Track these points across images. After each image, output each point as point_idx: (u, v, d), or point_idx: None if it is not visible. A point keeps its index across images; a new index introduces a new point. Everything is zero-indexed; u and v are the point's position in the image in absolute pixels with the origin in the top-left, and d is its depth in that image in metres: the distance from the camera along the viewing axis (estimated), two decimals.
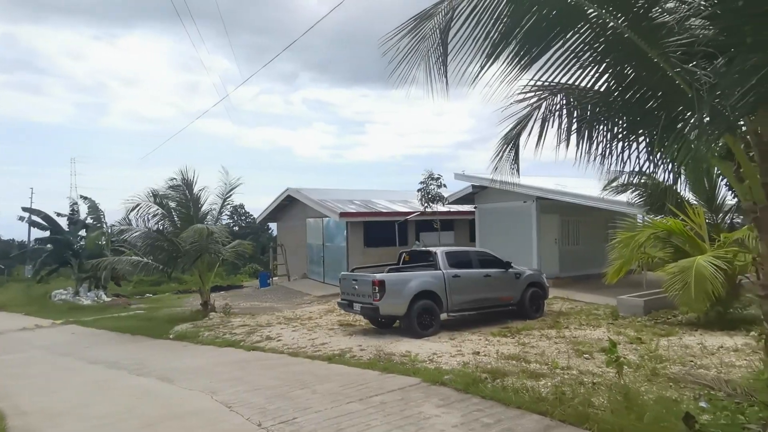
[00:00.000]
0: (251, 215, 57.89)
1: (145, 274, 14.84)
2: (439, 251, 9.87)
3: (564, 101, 5.21)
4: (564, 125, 5.20)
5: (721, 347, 6.79)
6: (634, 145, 4.73)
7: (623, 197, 11.72)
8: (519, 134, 5.84)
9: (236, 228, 52.49)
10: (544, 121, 5.32)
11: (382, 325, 10.12)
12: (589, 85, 4.51)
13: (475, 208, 17.08)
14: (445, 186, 15.06)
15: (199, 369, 7.54)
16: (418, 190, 15.08)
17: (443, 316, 9.52)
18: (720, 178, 10.84)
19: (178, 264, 13.26)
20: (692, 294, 7.72)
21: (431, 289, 9.26)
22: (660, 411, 3.81)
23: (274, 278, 21.93)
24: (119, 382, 7.15)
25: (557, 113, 5.28)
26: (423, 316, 9.05)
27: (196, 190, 13.79)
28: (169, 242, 12.91)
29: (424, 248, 10.83)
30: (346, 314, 11.83)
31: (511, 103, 5.30)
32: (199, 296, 13.91)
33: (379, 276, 9.02)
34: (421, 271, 9.71)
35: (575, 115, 5.11)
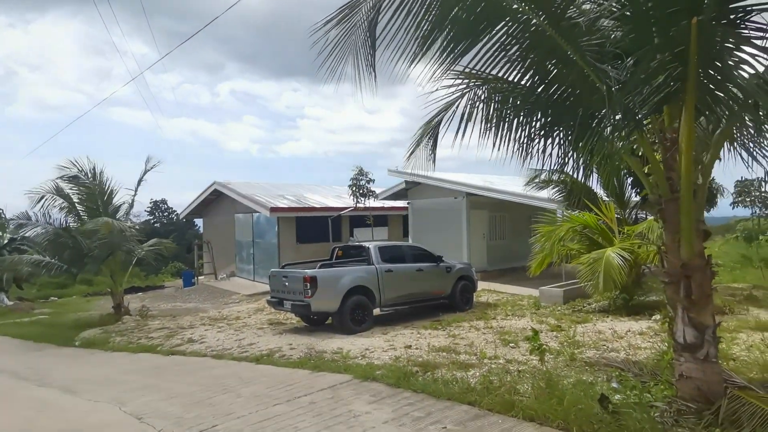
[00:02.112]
0: (175, 211, 54.75)
1: (49, 275, 13.36)
2: (372, 246, 9.82)
3: (487, 95, 5.30)
4: (488, 116, 5.30)
5: (629, 331, 7.34)
6: (557, 140, 4.93)
7: (544, 193, 12.40)
8: (439, 123, 5.89)
9: (157, 225, 49.41)
10: (470, 109, 5.36)
11: (314, 322, 9.91)
12: (515, 80, 4.62)
13: (408, 204, 17.29)
14: (373, 181, 15.10)
15: (108, 378, 6.90)
16: (350, 186, 14.97)
17: (376, 311, 9.49)
18: (626, 177, 11.81)
19: (84, 264, 12.08)
20: (601, 283, 8.31)
21: (364, 284, 9.19)
22: (578, 394, 4.00)
23: (199, 277, 20.82)
24: (18, 393, 6.39)
25: (480, 105, 5.36)
26: (356, 312, 8.96)
27: (103, 181, 12.60)
28: (74, 239, 11.74)
29: (357, 243, 10.73)
30: (277, 313, 11.46)
31: (436, 89, 5.29)
32: (111, 299, 12.80)
33: (310, 272, 8.80)
34: (353, 266, 9.61)
35: (497, 108, 5.21)
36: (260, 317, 11.43)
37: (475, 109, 5.37)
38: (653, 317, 8.16)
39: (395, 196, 17.90)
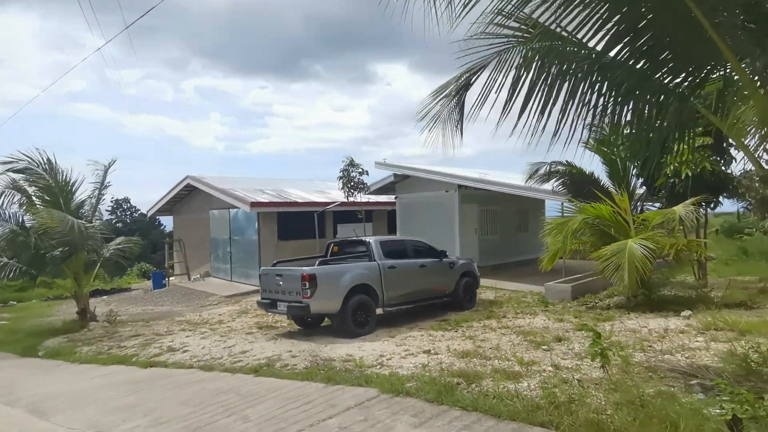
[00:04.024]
0: (138, 209, 52.22)
1: (8, 278, 11.79)
2: (373, 241, 8.96)
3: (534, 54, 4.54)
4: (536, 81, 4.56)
5: (667, 330, 6.77)
6: (626, 110, 4.23)
7: (548, 185, 11.85)
8: (467, 85, 5.12)
9: (120, 225, 46.91)
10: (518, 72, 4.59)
11: (309, 324, 8.98)
12: (584, 36, 3.89)
13: (396, 198, 16.49)
14: (367, 173, 14.20)
15: (81, 395, 5.80)
16: (339, 178, 14.02)
17: (378, 311, 8.65)
18: (632, 168, 11.40)
19: (45, 265, 10.69)
20: (626, 276, 7.76)
21: (367, 282, 8.33)
22: (684, 413, 3.28)
23: (170, 278, 19.37)
24: None
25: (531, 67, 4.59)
26: (358, 313, 8.09)
27: (60, 175, 11.19)
28: (31, 238, 10.35)
29: (355, 238, 9.85)
30: (264, 315, 10.45)
31: (471, 38, 4.50)
32: (74, 303, 11.41)
33: (308, 270, 7.86)
34: (353, 262, 8.73)
35: (556, 70, 4.46)
36: (246, 320, 10.37)
37: (525, 70, 4.63)
38: (682, 314, 7.64)
39: (382, 191, 17.06)
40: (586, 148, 11.42)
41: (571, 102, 4.54)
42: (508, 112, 4.84)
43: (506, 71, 4.81)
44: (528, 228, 17.98)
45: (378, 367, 5.82)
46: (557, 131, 4.57)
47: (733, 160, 9.23)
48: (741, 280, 10.80)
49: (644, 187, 11.24)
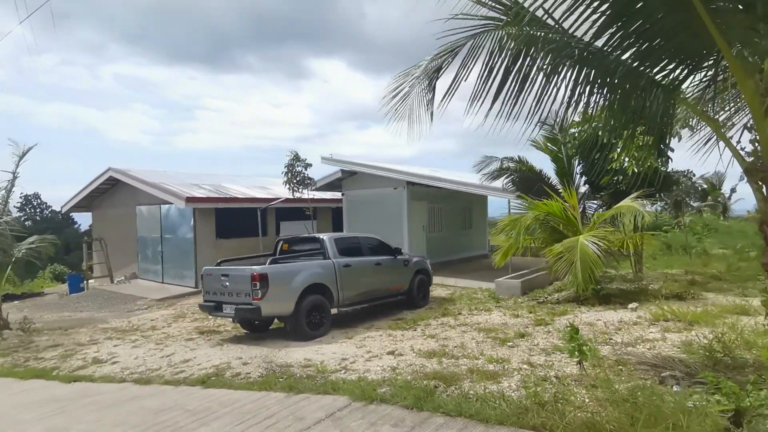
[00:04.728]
0: (50, 207, 47.56)
1: None
2: (327, 237, 8.51)
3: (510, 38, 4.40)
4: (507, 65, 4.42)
5: (621, 321, 6.96)
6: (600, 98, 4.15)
7: (497, 183, 12.00)
8: (439, 69, 4.92)
9: (29, 223, 42.44)
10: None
11: (257, 328, 8.36)
12: (570, 26, 3.75)
13: (342, 194, 16.05)
14: (310, 165, 13.59)
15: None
16: (284, 173, 13.31)
17: (332, 311, 8.21)
18: (577, 166, 11.83)
19: None
20: (579, 272, 7.94)
21: (321, 281, 7.87)
22: (683, 408, 3.21)
23: (90, 281, 17.55)
24: None
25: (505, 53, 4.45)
26: (313, 314, 7.61)
27: None
28: None
29: (308, 235, 9.33)
30: (205, 319, 9.63)
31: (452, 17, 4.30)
32: None
33: (259, 269, 7.26)
34: (306, 261, 8.23)
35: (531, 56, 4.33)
36: (184, 325, 9.49)
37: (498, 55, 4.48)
38: (630, 306, 7.94)
39: (328, 187, 16.55)
40: (533, 145, 11.74)
41: (545, 91, 4.46)
42: (482, 97, 4.67)
43: (478, 56, 4.65)
44: (472, 225, 18.28)
45: (342, 371, 5.42)
46: (529, 117, 4.48)
47: (670, 160, 9.81)
48: (670, 273, 11.55)
49: (587, 186, 11.70)
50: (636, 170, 9.25)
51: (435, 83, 5.01)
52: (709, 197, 32.73)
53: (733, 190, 33.18)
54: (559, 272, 8.38)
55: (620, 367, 4.71)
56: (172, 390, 5.45)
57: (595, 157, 11.01)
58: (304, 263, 8.04)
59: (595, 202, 12.07)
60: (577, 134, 11.09)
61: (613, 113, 4.01)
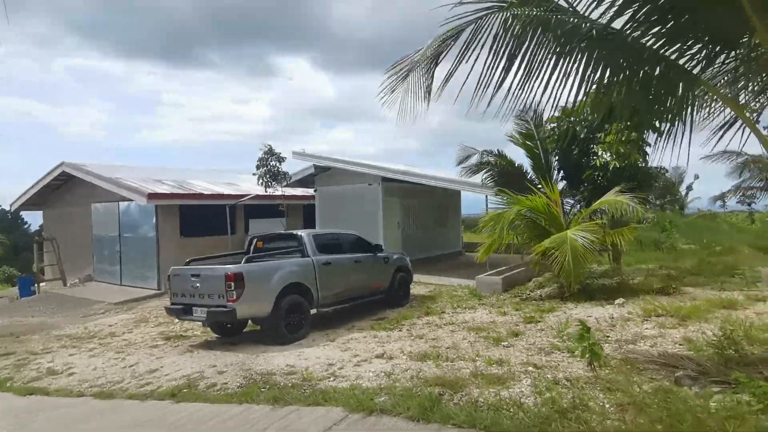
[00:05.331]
0: None
1: None
2: (306, 234, 8.01)
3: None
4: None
5: (612, 318, 6.81)
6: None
7: (477, 178, 11.78)
8: (438, 54, 4.63)
9: None
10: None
11: (229, 332, 7.79)
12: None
13: (315, 191, 15.50)
14: (285, 159, 12.99)
15: None
16: (258, 167, 12.64)
17: (312, 312, 7.73)
18: (556, 161, 11.76)
19: None
20: (572, 268, 7.78)
21: (300, 280, 7.37)
22: (718, 415, 2.97)
23: (41, 284, 16.25)
24: None
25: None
26: (292, 316, 7.11)
27: None
28: None
29: (285, 232, 8.79)
30: (171, 323, 8.95)
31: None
32: None
33: (234, 268, 6.70)
34: (283, 259, 7.70)
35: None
36: (147, 331, 8.77)
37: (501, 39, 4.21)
38: (616, 302, 7.84)
39: (300, 183, 15.99)
40: (511, 141, 11.58)
41: (552, 77, 4.19)
42: (487, 83, 4.37)
43: (481, 39, 4.35)
44: (447, 223, 18.09)
45: (331, 378, 4.97)
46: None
47: (647, 155, 9.84)
48: (646, 268, 11.67)
49: (564, 181, 11.65)
50: (618, 165, 9.21)
51: (434, 71, 4.71)
52: (668, 195, 33.97)
53: (689, 188, 34.57)
54: (548, 268, 8.18)
55: (628, 366, 4.48)
56: (140, 406, 4.86)
57: (574, 153, 10.98)
58: (282, 261, 7.51)
59: (571, 199, 12.05)
60: (556, 129, 10.99)
61: (630, 98, 3.76)
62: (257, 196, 14.37)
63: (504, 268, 11.66)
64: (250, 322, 7.66)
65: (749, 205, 25.62)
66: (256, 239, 8.63)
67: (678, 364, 4.36)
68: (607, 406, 3.48)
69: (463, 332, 6.74)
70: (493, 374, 4.48)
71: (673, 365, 4.35)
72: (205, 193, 14.92)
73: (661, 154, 4.36)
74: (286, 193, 16.35)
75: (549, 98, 4.22)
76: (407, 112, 4.93)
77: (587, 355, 4.05)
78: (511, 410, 3.49)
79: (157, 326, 9.08)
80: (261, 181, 12.53)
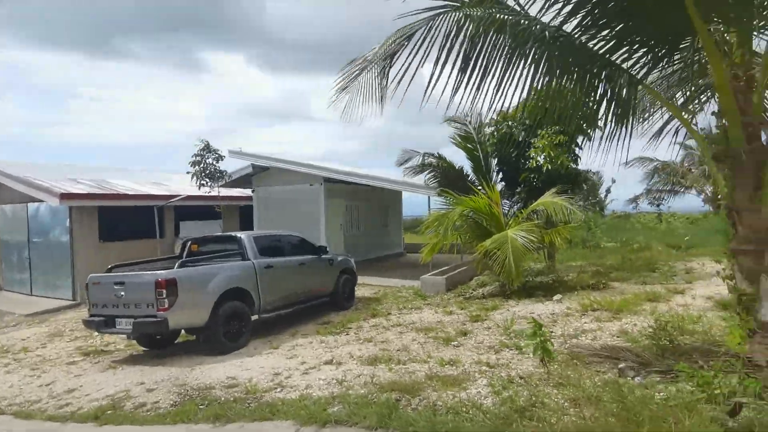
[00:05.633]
0: None
1: None
2: (245, 236, 7.56)
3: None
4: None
5: (553, 314, 7.03)
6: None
7: (419, 179, 11.84)
8: (393, 54, 4.55)
9: None
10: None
11: (159, 344, 7.16)
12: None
13: (253, 191, 14.86)
14: (223, 158, 12.28)
15: None
16: (192, 165, 11.84)
17: (253, 318, 7.30)
18: (495, 163, 12.09)
19: None
20: (513, 266, 7.97)
21: (240, 285, 6.94)
22: (679, 407, 3.05)
23: None
24: None
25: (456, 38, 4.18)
26: (231, 323, 6.66)
27: None
28: None
29: (223, 234, 8.25)
30: (89, 336, 8.11)
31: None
32: None
33: (165, 274, 6.14)
34: (221, 263, 7.21)
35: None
36: (62, 345, 7.87)
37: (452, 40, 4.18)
38: (554, 298, 8.13)
39: (237, 183, 15.23)
40: (453, 142, 11.76)
41: (504, 77, 4.20)
42: (435, 83, 4.31)
43: (434, 39, 4.29)
44: (389, 224, 18.09)
45: (278, 389, 4.65)
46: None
47: (578, 159, 10.38)
48: (577, 265, 12.30)
49: (503, 183, 12.00)
50: (549, 167, 9.61)
51: (388, 71, 4.58)
52: (590, 197, 36.43)
53: (608, 191, 37.31)
54: (490, 267, 8.34)
55: (575, 361, 4.59)
56: (60, 428, 4.26)
57: (513, 155, 11.34)
58: (220, 265, 7.02)
59: (508, 201, 12.45)
60: (495, 132, 11.30)
61: (576, 100, 3.84)
62: (189, 197, 13.50)
63: (446, 268, 11.80)
64: (183, 332, 7.10)
65: (658, 206, 27.98)
66: (190, 242, 8.02)
67: (619, 355, 4.53)
68: (563, 402, 3.50)
69: (411, 333, 6.65)
70: (449, 375, 4.41)
71: (615, 357, 4.51)
72: (130, 193, 13.76)
73: (592, 157, 4.55)
74: (222, 194, 15.55)
75: (500, 99, 4.22)
76: (356, 112, 4.78)
77: (539, 352, 4.09)
78: (471, 412, 3.42)
79: (74, 340, 8.18)
80: (196, 179, 11.73)
